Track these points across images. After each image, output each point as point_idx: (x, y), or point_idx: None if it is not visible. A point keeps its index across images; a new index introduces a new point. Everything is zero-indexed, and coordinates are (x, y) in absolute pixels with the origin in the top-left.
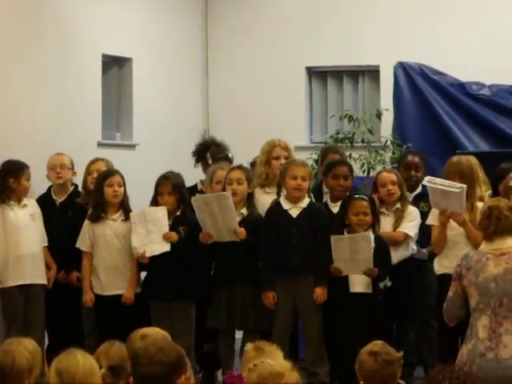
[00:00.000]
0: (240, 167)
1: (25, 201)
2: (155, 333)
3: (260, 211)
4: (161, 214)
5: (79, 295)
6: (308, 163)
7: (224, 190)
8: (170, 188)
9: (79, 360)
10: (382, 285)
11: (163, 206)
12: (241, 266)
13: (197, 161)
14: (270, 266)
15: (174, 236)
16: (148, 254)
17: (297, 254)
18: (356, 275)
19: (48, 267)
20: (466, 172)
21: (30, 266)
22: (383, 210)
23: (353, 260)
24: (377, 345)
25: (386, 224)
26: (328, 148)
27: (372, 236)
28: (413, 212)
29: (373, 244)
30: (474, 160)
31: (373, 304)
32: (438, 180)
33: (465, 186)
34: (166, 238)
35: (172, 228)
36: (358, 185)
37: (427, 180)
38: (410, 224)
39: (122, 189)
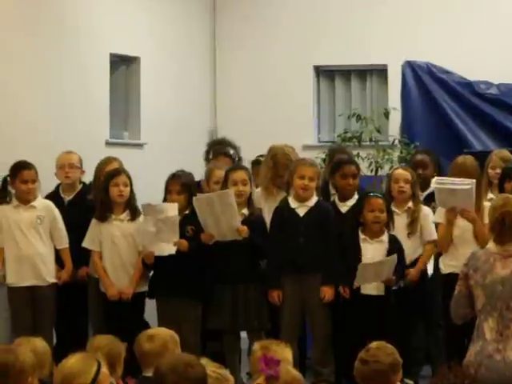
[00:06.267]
0: (243, 167)
1: (35, 202)
2: (164, 333)
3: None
4: (172, 212)
5: (85, 294)
6: (317, 163)
7: (222, 189)
8: (178, 187)
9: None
10: (396, 286)
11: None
12: (243, 266)
13: (205, 159)
14: (276, 264)
15: (185, 245)
16: (156, 254)
17: (304, 252)
18: None
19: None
20: (472, 172)
21: (32, 268)
22: (395, 209)
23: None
24: (370, 350)
25: (398, 224)
26: (335, 149)
27: (386, 236)
28: (429, 214)
29: (387, 245)
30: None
31: (385, 306)
32: (448, 180)
33: (474, 180)
34: (176, 244)
35: (180, 227)
36: (366, 184)
37: (435, 181)
38: (432, 229)
39: (128, 189)
